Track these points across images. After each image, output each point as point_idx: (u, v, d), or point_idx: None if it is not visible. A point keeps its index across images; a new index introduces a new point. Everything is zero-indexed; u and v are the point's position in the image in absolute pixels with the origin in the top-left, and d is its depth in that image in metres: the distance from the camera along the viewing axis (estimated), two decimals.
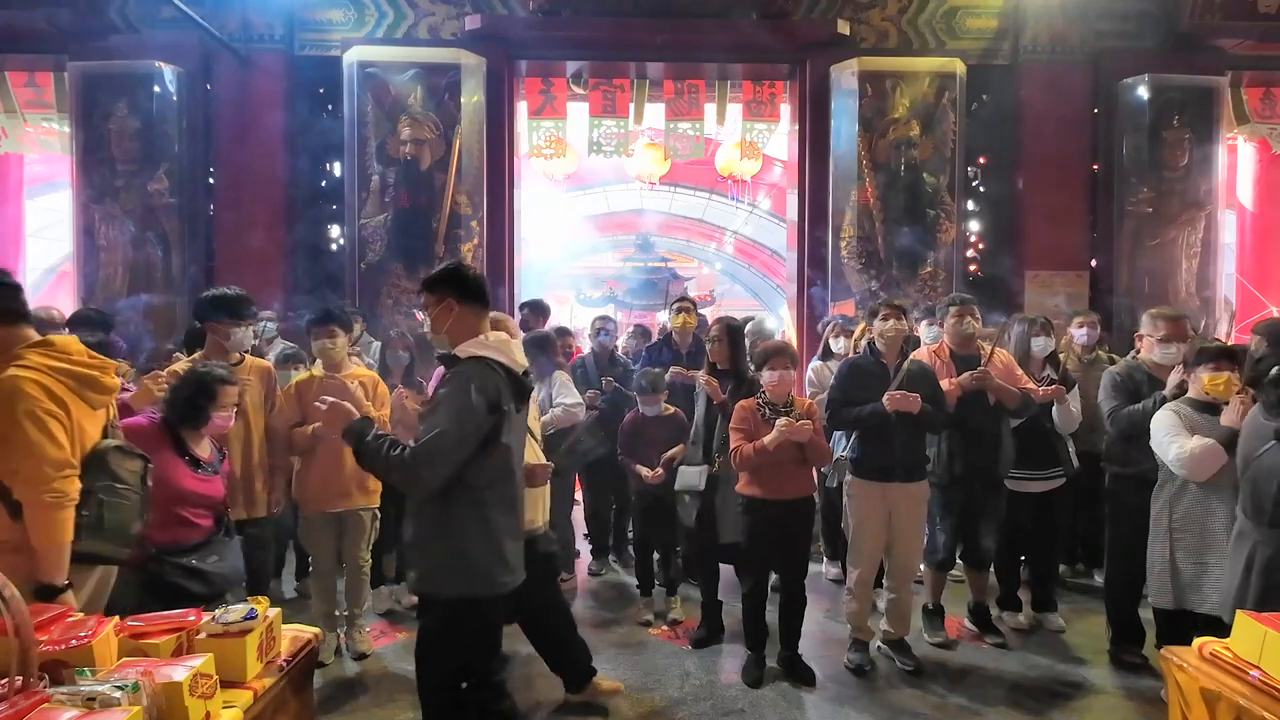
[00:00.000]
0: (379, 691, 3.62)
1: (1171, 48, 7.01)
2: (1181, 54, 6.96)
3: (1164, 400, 3.54)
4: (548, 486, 3.39)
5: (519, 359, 2.53)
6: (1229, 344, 3.62)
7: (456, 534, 2.38)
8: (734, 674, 3.77)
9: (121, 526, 2.34)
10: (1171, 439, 3.26)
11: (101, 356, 2.43)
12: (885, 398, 3.65)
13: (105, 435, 2.40)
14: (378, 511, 4.00)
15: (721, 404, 3.98)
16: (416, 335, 4.78)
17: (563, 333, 5.52)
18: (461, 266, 2.60)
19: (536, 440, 3.40)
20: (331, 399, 2.48)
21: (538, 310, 5.91)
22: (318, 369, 3.91)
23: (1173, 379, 3.61)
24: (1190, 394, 3.39)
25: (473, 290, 2.51)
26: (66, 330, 4.69)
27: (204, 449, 2.94)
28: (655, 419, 4.51)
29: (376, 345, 5.19)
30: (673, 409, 4.55)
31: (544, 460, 3.35)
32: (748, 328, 5.23)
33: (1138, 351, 4.06)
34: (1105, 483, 4.00)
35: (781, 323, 9.73)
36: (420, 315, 2.56)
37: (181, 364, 3.57)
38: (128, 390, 3.87)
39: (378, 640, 4.16)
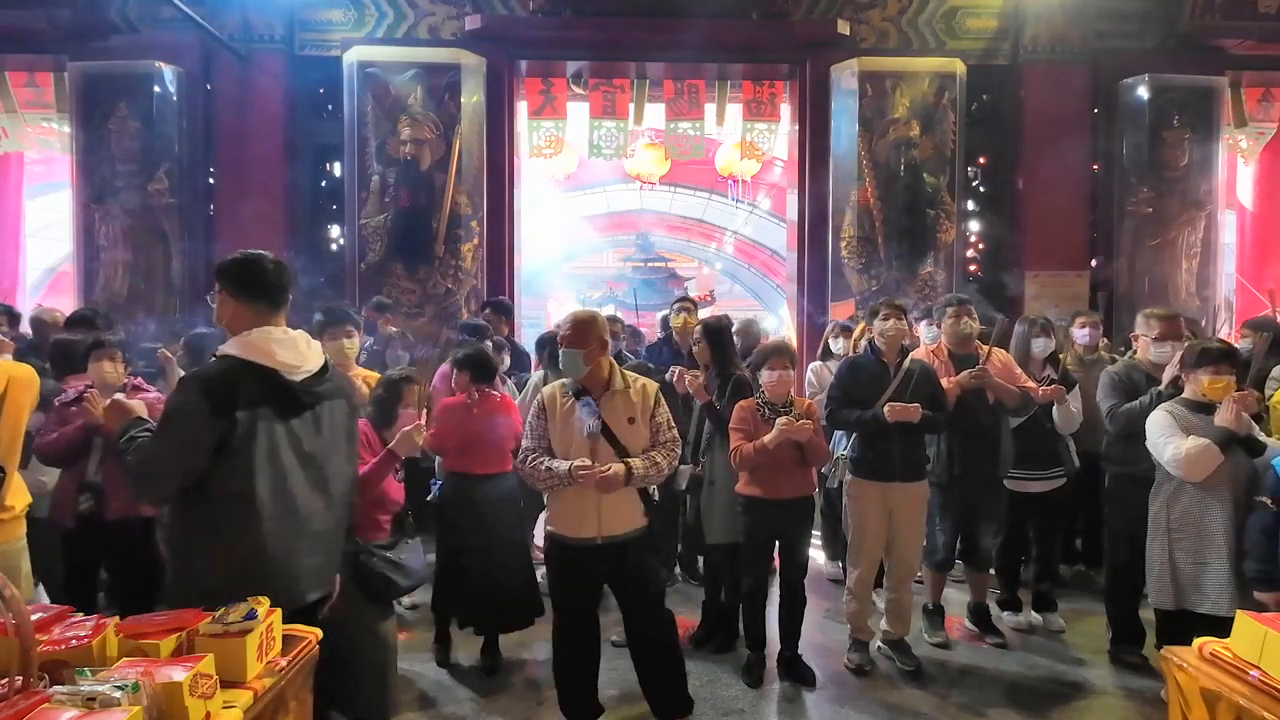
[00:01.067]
0: None
1: (1171, 48, 7.02)
2: (1181, 54, 6.97)
3: (1161, 396, 3.54)
4: (600, 494, 2.92)
5: (288, 360, 2.19)
6: (1230, 345, 3.61)
7: (189, 545, 2.20)
8: (734, 674, 3.77)
9: None
10: (1167, 440, 3.25)
11: None
12: (885, 409, 3.63)
13: None
14: None
15: (707, 404, 3.99)
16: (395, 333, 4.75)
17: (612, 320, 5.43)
18: (248, 260, 2.27)
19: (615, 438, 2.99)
20: (119, 396, 2.43)
21: (500, 310, 5.81)
22: None
23: (1168, 375, 3.62)
24: (1186, 394, 3.39)
25: (252, 287, 2.22)
26: (63, 330, 4.70)
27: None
28: None
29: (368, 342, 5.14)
30: None
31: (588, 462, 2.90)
32: (735, 327, 5.22)
33: (1134, 352, 4.07)
34: (1105, 482, 4.00)
35: (781, 323, 9.72)
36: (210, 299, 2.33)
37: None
38: (148, 390, 3.87)
39: None
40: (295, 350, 2.23)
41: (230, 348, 2.18)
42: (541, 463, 2.96)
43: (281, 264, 2.31)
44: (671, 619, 3.22)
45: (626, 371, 3.14)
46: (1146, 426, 3.38)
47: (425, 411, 3.24)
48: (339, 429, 2.37)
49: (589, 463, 2.86)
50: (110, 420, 2.37)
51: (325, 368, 2.32)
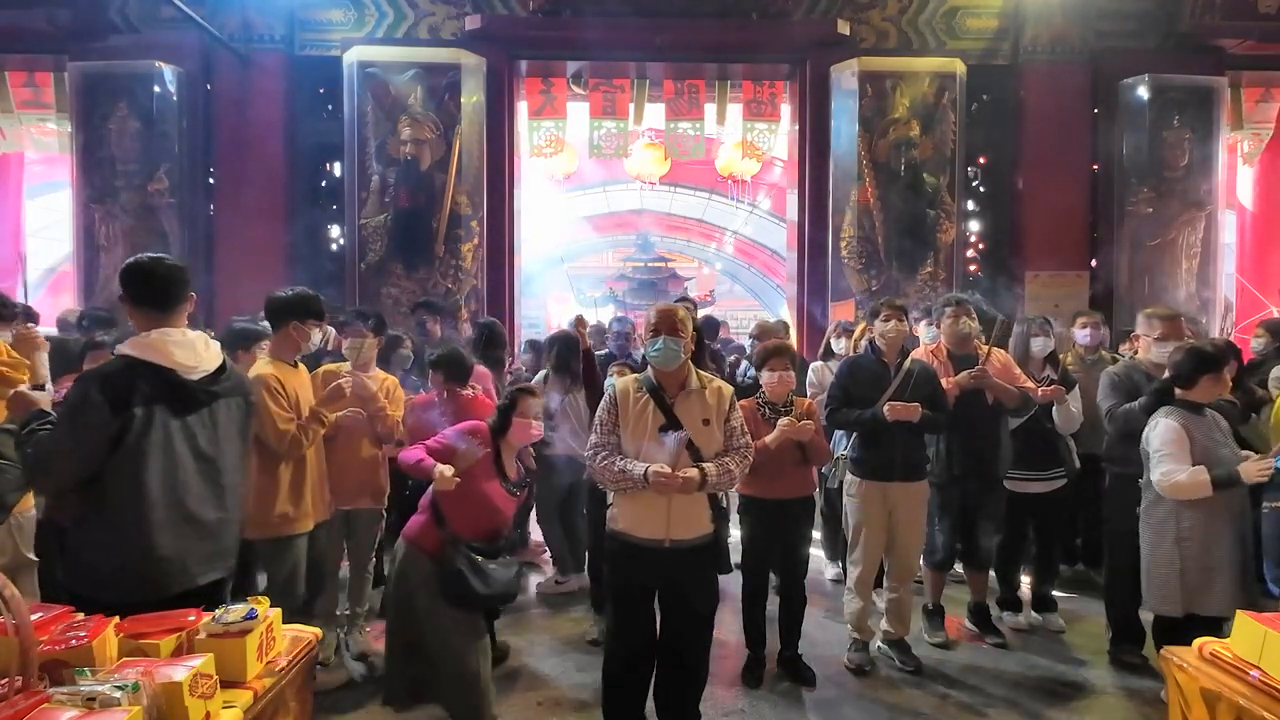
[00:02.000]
0: (379, 691, 3.61)
1: (1171, 48, 7.03)
2: (1181, 54, 6.98)
3: (1157, 393, 3.50)
4: (671, 496, 2.78)
5: (185, 360, 2.31)
6: (1229, 343, 3.61)
7: (83, 534, 2.27)
8: (734, 674, 3.77)
9: None
10: (1164, 460, 3.20)
11: (17, 357, 2.76)
12: (885, 408, 3.63)
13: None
14: (384, 512, 4.00)
15: None
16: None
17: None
18: (136, 267, 2.36)
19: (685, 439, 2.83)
20: (22, 388, 2.54)
21: (431, 309, 5.72)
22: (347, 365, 3.93)
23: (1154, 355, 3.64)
24: (1190, 397, 3.36)
25: (138, 292, 2.34)
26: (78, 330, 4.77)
27: (512, 468, 3.12)
28: None
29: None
30: None
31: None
32: (752, 330, 5.22)
33: (1135, 352, 4.06)
34: (1106, 483, 3.99)
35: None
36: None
37: (261, 364, 3.41)
38: None
39: (377, 640, 4.13)
40: (193, 351, 2.35)
41: (127, 347, 2.29)
42: (614, 462, 2.77)
43: (174, 269, 2.38)
44: (709, 637, 3.09)
45: (701, 372, 2.98)
46: (1152, 434, 3.33)
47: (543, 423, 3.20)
48: (233, 425, 2.51)
49: (668, 470, 2.69)
50: (12, 412, 2.47)
51: (223, 368, 2.45)
